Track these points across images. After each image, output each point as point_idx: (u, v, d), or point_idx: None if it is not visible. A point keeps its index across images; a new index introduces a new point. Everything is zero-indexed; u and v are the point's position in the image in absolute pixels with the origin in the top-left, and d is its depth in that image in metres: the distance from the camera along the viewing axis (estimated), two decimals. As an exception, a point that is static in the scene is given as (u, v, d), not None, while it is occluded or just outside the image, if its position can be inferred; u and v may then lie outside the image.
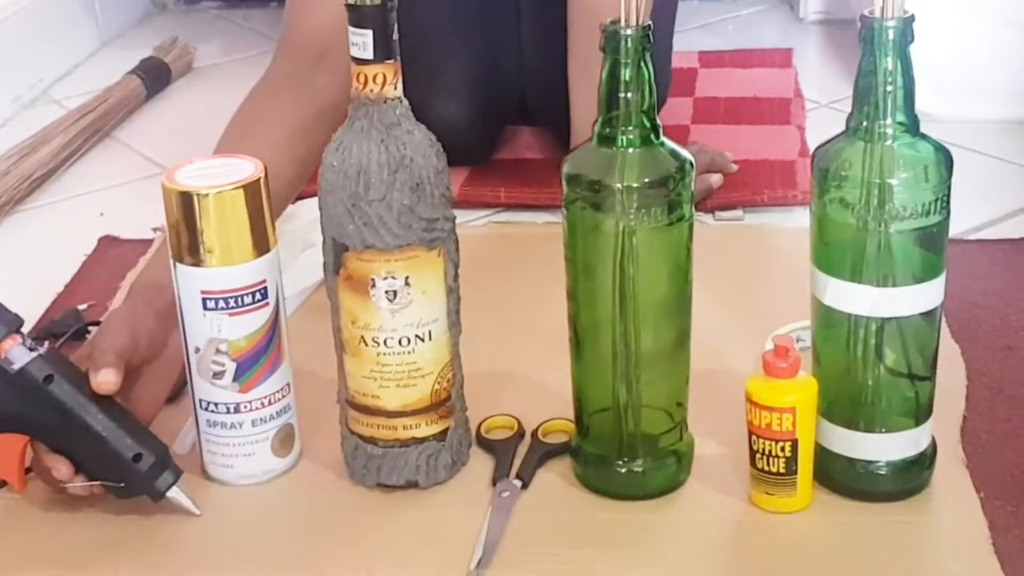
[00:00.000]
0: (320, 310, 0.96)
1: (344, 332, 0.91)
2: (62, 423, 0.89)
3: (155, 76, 1.82)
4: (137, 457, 0.90)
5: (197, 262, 0.90)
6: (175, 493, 0.92)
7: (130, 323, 0.96)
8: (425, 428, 0.93)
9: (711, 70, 1.79)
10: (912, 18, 0.83)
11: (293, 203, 1.20)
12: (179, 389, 1.06)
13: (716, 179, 1.40)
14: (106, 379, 0.90)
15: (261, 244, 0.92)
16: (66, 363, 0.92)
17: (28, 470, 0.94)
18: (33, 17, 1.85)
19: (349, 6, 0.85)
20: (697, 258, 0.90)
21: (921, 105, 0.85)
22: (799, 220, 1.27)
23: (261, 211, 0.91)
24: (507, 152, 1.54)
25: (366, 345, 0.90)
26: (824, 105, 1.67)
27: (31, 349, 0.90)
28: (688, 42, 1.74)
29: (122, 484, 0.91)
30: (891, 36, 0.82)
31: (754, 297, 1.20)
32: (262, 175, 0.91)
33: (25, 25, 1.83)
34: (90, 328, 1.18)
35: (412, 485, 0.94)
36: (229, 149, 1.04)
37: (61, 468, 0.91)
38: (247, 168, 0.92)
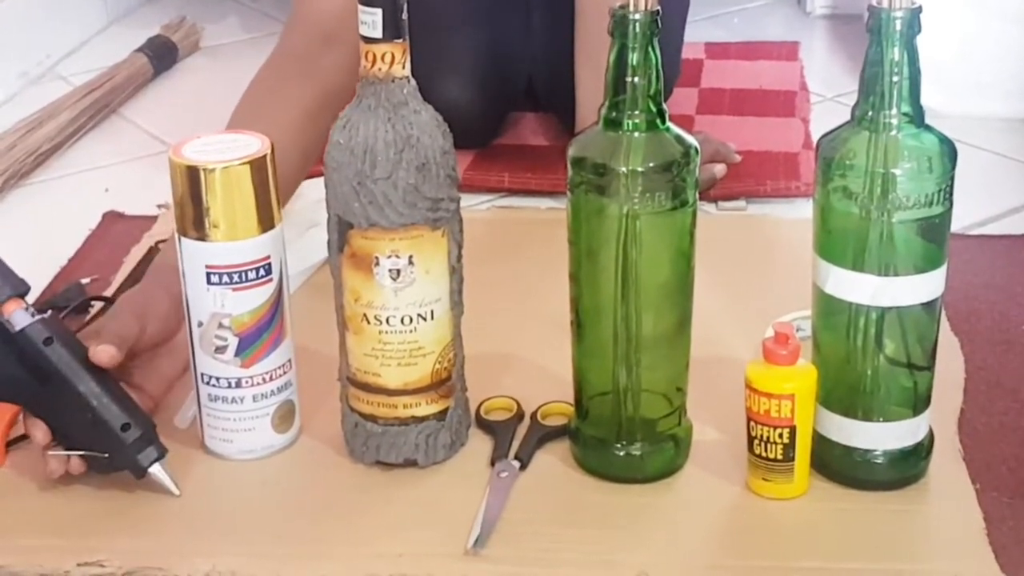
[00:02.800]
0: (323, 289, 0.97)
1: (347, 310, 0.92)
2: (55, 387, 0.90)
3: (162, 54, 1.82)
4: (125, 427, 0.90)
5: (202, 236, 0.91)
6: (157, 470, 0.92)
7: (142, 307, 0.97)
8: (425, 407, 0.94)
9: (717, 61, 1.79)
10: (919, 9, 0.83)
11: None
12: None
13: (720, 169, 1.40)
14: (104, 350, 0.90)
15: (266, 220, 0.92)
16: (67, 331, 0.92)
17: (16, 440, 0.95)
18: (42, -7, 1.85)
19: (360, -16, 0.86)
20: (699, 247, 0.91)
21: (926, 100, 0.86)
22: (802, 211, 1.27)
23: (267, 187, 0.92)
24: (512, 137, 1.54)
25: (368, 323, 0.91)
26: (829, 99, 1.67)
27: (33, 315, 0.90)
28: (695, 33, 1.74)
29: (106, 455, 0.91)
30: (898, 26, 0.83)
31: (755, 286, 1.20)
32: (268, 151, 0.92)
33: (33, 1, 1.83)
34: (92, 302, 1.19)
35: (411, 464, 0.95)
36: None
37: (37, 434, 0.91)
38: (254, 144, 0.92)
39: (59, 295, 1.21)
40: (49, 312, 0.92)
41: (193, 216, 0.91)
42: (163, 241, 1.26)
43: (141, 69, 1.77)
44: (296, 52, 1.20)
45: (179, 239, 0.92)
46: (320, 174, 0.92)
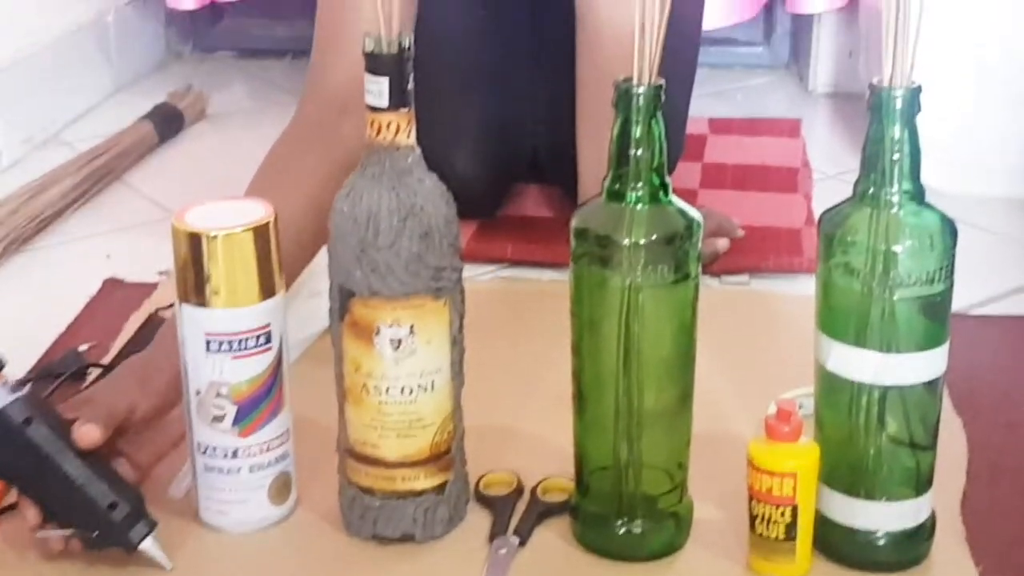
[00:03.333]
0: (323, 358, 0.96)
1: (347, 379, 0.91)
2: (38, 467, 0.89)
3: (168, 122, 1.83)
4: (112, 506, 0.89)
5: (202, 303, 0.91)
6: (148, 545, 0.91)
7: (141, 380, 0.96)
8: (424, 480, 0.93)
9: (720, 136, 1.80)
10: (919, 88, 0.84)
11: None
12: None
13: (723, 243, 1.40)
14: (88, 433, 0.89)
15: (267, 288, 0.92)
16: (47, 408, 0.91)
17: (5, 509, 0.94)
18: (49, 60, 1.86)
19: (367, 54, 0.86)
20: (702, 321, 0.91)
21: (927, 179, 0.86)
22: (804, 287, 1.27)
23: (269, 254, 0.91)
24: (515, 208, 1.55)
25: (368, 393, 0.90)
26: (831, 176, 1.68)
27: (12, 391, 0.89)
28: (699, 109, 1.75)
29: (95, 533, 0.90)
30: (899, 105, 0.83)
31: (758, 362, 1.20)
32: (271, 219, 0.92)
33: (41, 67, 1.84)
34: (90, 369, 1.18)
35: (408, 538, 0.94)
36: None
37: (28, 513, 0.90)
38: (257, 211, 0.92)
39: (57, 361, 1.20)
40: (28, 388, 0.91)
41: (194, 282, 0.90)
42: (167, 308, 1.26)
43: (146, 136, 1.78)
44: (313, 122, 1.21)
45: (179, 305, 0.92)
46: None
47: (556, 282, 1.35)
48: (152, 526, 0.91)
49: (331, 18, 1.25)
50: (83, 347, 1.23)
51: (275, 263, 0.92)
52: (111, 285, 1.38)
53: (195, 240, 0.90)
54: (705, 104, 1.91)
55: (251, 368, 0.92)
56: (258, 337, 0.92)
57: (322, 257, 0.92)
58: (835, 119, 1.93)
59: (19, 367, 1.17)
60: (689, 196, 1.55)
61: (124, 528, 0.90)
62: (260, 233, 0.91)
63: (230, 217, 0.91)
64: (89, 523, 0.89)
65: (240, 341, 0.91)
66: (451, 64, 1.44)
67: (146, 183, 1.69)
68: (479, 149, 1.45)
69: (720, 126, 1.84)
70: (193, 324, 0.92)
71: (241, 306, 0.91)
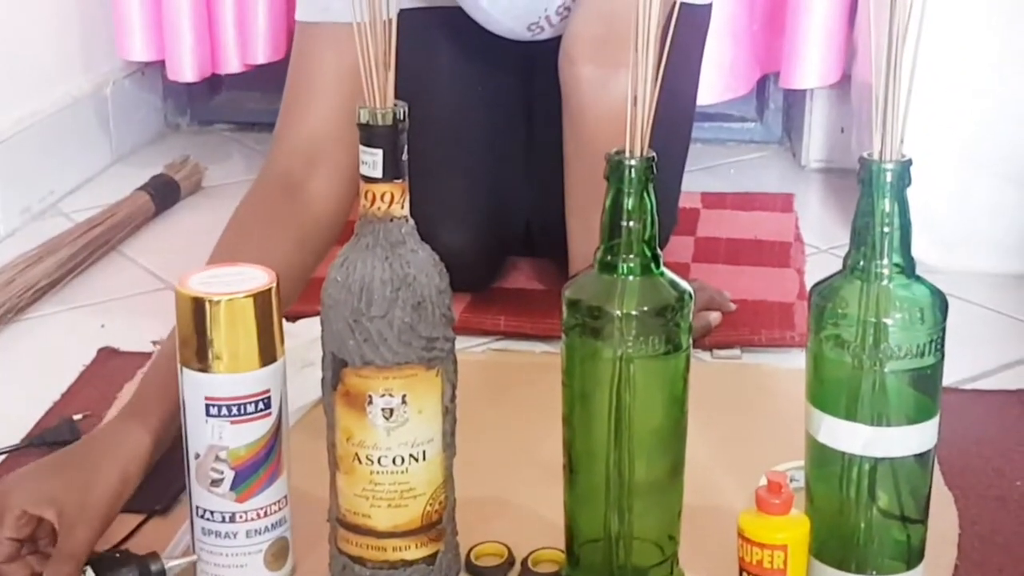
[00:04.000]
0: (318, 428, 0.96)
1: (339, 448, 0.91)
2: None
3: (164, 193, 1.84)
4: None
5: (204, 368, 0.91)
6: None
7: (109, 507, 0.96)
8: (415, 550, 0.92)
9: (713, 211, 1.81)
10: (910, 162, 0.85)
11: (293, 322, 1.21)
12: (170, 501, 1.05)
13: (715, 317, 1.41)
14: None
15: (268, 353, 0.92)
16: None
17: None
18: (48, 131, 1.88)
19: (361, 125, 0.87)
20: (693, 394, 0.91)
21: (918, 254, 0.87)
22: (796, 361, 1.27)
23: (270, 320, 0.92)
24: (508, 281, 1.55)
25: (360, 463, 0.90)
26: (824, 251, 1.69)
27: None
28: (692, 183, 1.77)
29: None
30: (889, 178, 0.84)
31: (749, 435, 1.20)
32: (273, 285, 0.92)
33: (39, 138, 1.85)
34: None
35: (399, 608, 0.93)
36: (223, 261, 1.05)
37: None
38: (259, 277, 0.93)
39: (50, 430, 1.20)
40: None
41: (196, 347, 0.91)
42: None
43: (143, 207, 1.79)
44: (281, 177, 1.24)
45: (181, 370, 0.92)
46: (315, 312, 0.92)
47: (548, 354, 1.35)
48: None
49: (300, 74, 1.28)
50: (77, 416, 1.23)
51: (276, 329, 0.93)
52: (106, 354, 1.38)
53: (198, 305, 0.90)
54: (698, 179, 1.93)
55: (250, 433, 0.92)
56: (257, 403, 0.92)
57: (315, 327, 0.93)
58: (827, 194, 1.94)
59: (13, 435, 1.17)
60: (682, 270, 1.57)
61: None
62: (262, 299, 0.91)
63: (232, 282, 0.92)
64: None
65: (240, 406, 0.91)
66: (444, 139, 1.45)
67: (142, 254, 1.70)
68: (471, 223, 1.45)
69: (713, 200, 1.86)
70: (194, 388, 0.92)
71: (242, 371, 0.91)
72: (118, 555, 0.93)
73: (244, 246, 1.16)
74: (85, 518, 0.94)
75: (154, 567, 0.93)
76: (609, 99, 0.83)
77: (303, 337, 1.21)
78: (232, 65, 2.08)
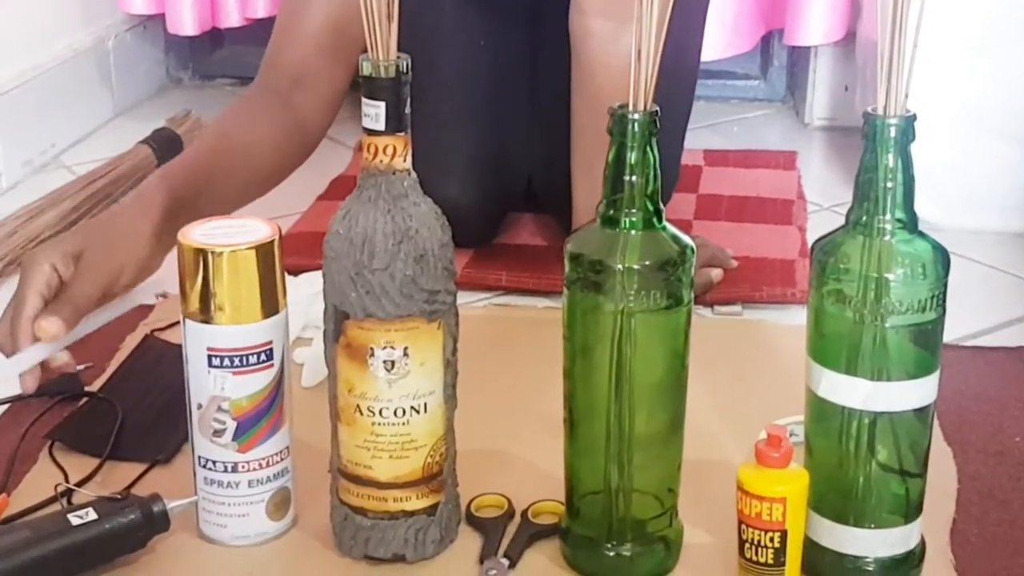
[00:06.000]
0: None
1: (340, 400, 0.92)
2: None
3: (166, 146, 1.84)
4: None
5: (206, 319, 0.91)
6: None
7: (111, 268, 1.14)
8: (415, 501, 0.93)
9: (715, 168, 1.81)
10: (914, 117, 0.85)
11: (295, 275, 1.21)
12: (173, 451, 1.06)
13: (716, 274, 1.41)
14: (50, 328, 1.07)
15: (270, 305, 0.92)
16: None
17: None
18: (50, 84, 1.87)
19: (364, 78, 0.87)
20: (694, 350, 0.91)
21: (920, 213, 0.87)
22: (797, 318, 1.28)
23: (272, 272, 0.92)
24: (510, 236, 1.55)
25: (361, 414, 0.91)
26: (826, 208, 1.69)
27: None
28: (694, 141, 1.76)
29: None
30: (893, 133, 0.84)
31: (749, 390, 1.20)
32: (276, 237, 0.93)
33: (41, 91, 1.85)
34: (87, 391, 1.19)
35: (399, 559, 0.94)
36: (209, 146, 1.26)
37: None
38: (262, 229, 0.93)
39: (53, 382, 1.20)
40: None
41: (198, 299, 0.91)
42: (163, 329, 1.27)
43: (145, 160, 1.79)
44: (268, 88, 1.34)
45: (184, 321, 0.93)
46: (319, 267, 0.93)
47: (550, 310, 1.36)
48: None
49: (292, 3, 1.36)
50: (79, 368, 1.23)
51: (279, 281, 0.93)
52: (107, 306, 1.38)
53: (201, 256, 0.91)
54: (701, 136, 1.92)
55: (252, 384, 0.93)
56: (260, 354, 0.92)
57: (319, 281, 0.93)
58: (831, 152, 1.94)
59: (15, 385, 1.17)
60: (684, 227, 1.55)
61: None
62: (264, 250, 0.92)
63: (235, 234, 0.92)
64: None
65: (242, 357, 0.92)
66: (447, 93, 1.45)
67: (144, 207, 1.70)
68: (474, 178, 1.46)
69: (716, 158, 1.85)
70: (196, 339, 0.92)
71: (244, 323, 0.92)
72: (120, 497, 0.94)
73: (234, 127, 1.30)
74: (90, 275, 1.11)
75: (156, 508, 0.93)
76: (619, 53, 0.83)
77: (305, 290, 1.21)
78: (232, 19, 2.08)
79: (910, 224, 0.86)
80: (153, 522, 0.93)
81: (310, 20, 1.34)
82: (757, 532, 0.88)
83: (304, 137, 1.35)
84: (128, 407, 1.13)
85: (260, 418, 0.94)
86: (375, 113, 0.87)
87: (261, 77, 1.37)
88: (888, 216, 0.85)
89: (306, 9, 1.35)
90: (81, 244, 1.14)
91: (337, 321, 0.90)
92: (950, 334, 0.90)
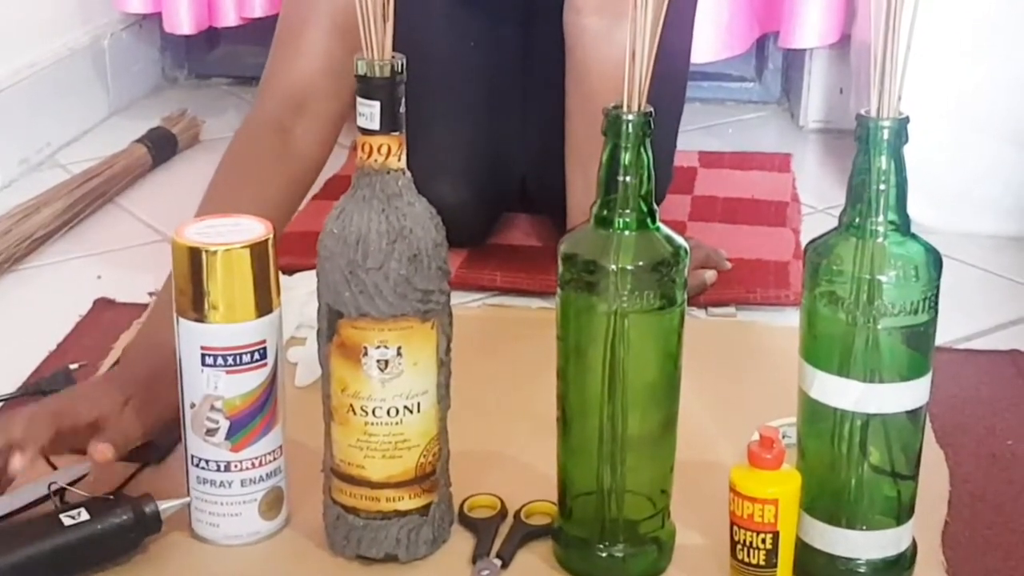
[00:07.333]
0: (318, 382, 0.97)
1: (333, 399, 0.92)
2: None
3: (162, 145, 1.84)
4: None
5: (200, 318, 0.91)
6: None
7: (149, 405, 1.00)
8: (408, 501, 0.93)
9: (710, 170, 1.81)
10: (907, 119, 0.85)
11: (290, 275, 1.21)
12: (164, 450, 1.06)
13: (710, 275, 1.41)
14: (104, 452, 0.94)
15: (264, 304, 0.93)
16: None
17: None
18: (45, 82, 1.87)
19: (359, 77, 0.87)
20: (688, 351, 0.91)
21: (915, 215, 0.87)
22: (790, 320, 1.28)
23: (266, 271, 0.92)
24: (504, 237, 1.55)
25: (354, 414, 0.91)
26: (820, 210, 1.69)
27: None
28: (689, 142, 1.77)
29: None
30: (886, 136, 0.84)
31: (742, 392, 1.20)
32: (270, 236, 0.93)
33: (37, 90, 1.85)
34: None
35: (392, 559, 0.94)
36: (215, 209, 1.09)
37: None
38: (256, 228, 0.93)
39: (46, 379, 1.21)
40: None
41: (192, 297, 0.91)
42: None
43: (140, 159, 1.79)
44: (269, 121, 1.25)
45: (177, 320, 0.93)
46: (313, 266, 0.93)
47: (544, 310, 1.36)
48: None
49: (293, 16, 1.28)
50: (73, 366, 1.23)
51: (272, 280, 0.93)
52: (102, 305, 1.39)
53: (194, 255, 0.91)
54: (696, 138, 1.92)
55: (245, 383, 0.93)
56: (253, 353, 0.92)
57: (313, 280, 0.93)
58: (825, 154, 1.94)
59: (9, 384, 1.17)
60: (678, 228, 1.54)
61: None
62: (258, 249, 0.92)
63: (229, 233, 0.92)
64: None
65: (235, 356, 0.92)
66: (441, 93, 1.45)
67: (139, 206, 1.70)
68: (468, 178, 1.45)
69: (710, 160, 1.85)
70: (190, 338, 0.92)
71: (238, 321, 0.92)
72: (112, 498, 0.94)
73: (240, 183, 1.20)
74: (127, 413, 0.98)
75: (148, 509, 0.93)
76: (613, 52, 0.83)
77: (300, 289, 1.22)
78: (229, 18, 2.08)
79: (903, 226, 0.86)
80: (145, 523, 0.93)
81: (310, 40, 1.26)
82: (749, 533, 0.88)
83: (306, 175, 1.26)
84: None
85: (253, 417, 0.94)
86: (370, 112, 0.87)
87: (258, 106, 1.28)
88: (881, 218, 0.86)
89: (308, 23, 1.26)
90: (128, 392, 1.01)
91: (331, 320, 0.90)
92: (943, 336, 0.90)
